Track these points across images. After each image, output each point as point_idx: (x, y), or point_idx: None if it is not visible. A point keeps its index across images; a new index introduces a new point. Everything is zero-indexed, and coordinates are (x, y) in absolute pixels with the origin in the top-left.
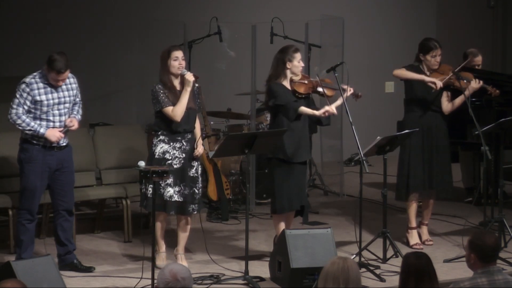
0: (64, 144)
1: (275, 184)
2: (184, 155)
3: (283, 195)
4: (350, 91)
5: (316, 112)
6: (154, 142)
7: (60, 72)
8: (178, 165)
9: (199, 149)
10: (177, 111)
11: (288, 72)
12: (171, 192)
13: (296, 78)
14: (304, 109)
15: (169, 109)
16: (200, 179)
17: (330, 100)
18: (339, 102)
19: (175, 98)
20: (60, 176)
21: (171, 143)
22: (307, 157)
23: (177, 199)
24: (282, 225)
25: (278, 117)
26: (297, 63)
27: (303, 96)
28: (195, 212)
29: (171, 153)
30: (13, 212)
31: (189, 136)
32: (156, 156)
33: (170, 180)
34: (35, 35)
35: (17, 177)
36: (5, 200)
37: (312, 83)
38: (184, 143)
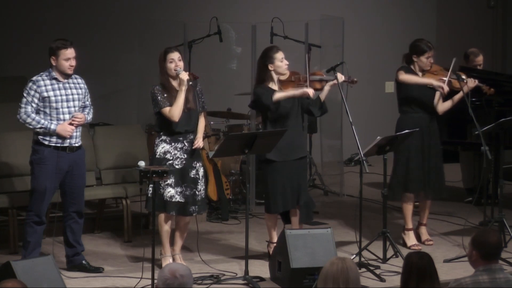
0: (77, 144)
1: (268, 183)
2: (185, 155)
3: (276, 194)
4: (341, 78)
5: (296, 92)
6: (156, 142)
7: (67, 44)
8: (179, 166)
9: (199, 142)
10: (174, 111)
11: (272, 73)
12: (172, 192)
13: (283, 78)
14: (278, 94)
15: (166, 110)
16: (201, 181)
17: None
18: (326, 90)
19: (173, 99)
20: (70, 179)
21: (173, 143)
22: (302, 154)
23: (179, 200)
24: (273, 227)
25: (263, 117)
26: (279, 63)
27: None
28: (195, 214)
29: (173, 153)
30: (13, 212)
31: (191, 136)
32: (157, 156)
33: (170, 181)
34: (35, 35)
35: (17, 177)
36: (5, 200)
37: (299, 79)
38: (186, 144)
